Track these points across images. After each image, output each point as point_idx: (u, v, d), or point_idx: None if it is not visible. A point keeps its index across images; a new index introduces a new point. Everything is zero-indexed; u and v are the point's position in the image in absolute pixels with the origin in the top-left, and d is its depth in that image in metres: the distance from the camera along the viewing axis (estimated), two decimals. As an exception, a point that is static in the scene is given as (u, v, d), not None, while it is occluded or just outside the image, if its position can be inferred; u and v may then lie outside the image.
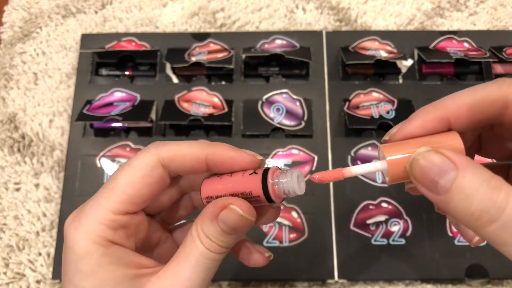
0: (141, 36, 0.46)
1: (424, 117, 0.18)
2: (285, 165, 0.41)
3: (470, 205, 0.14)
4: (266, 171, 0.19)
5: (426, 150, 0.16)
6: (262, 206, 0.20)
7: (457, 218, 0.15)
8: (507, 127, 0.17)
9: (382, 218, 0.40)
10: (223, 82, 0.44)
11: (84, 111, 0.42)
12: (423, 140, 0.18)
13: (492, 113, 0.17)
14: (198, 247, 0.19)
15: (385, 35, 0.46)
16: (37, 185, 0.42)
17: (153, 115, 0.43)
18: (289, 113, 0.43)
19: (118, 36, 0.46)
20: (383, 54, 0.44)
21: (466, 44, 0.46)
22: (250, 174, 0.19)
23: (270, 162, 0.41)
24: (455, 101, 0.18)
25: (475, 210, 0.14)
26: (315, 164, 0.41)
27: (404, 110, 0.42)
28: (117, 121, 0.41)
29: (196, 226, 0.19)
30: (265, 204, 0.20)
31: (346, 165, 0.41)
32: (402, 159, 0.18)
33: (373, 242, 0.39)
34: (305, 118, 0.43)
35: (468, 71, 0.44)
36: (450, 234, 0.39)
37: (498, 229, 0.14)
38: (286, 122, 0.42)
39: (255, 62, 0.45)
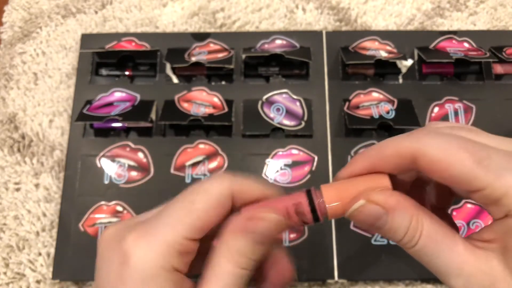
0: (141, 36, 0.46)
1: (356, 165, 0.21)
2: (285, 165, 0.41)
3: (400, 237, 0.19)
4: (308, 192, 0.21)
5: (361, 204, 0.20)
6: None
7: (392, 240, 0.20)
8: (427, 176, 0.20)
9: (382, 218, 0.40)
10: (223, 82, 0.44)
11: (84, 111, 0.42)
12: (357, 180, 0.21)
13: (406, 164, 0.20)
14: (224, 262, 0.18)
15: (385, 35, 0.46)
16: (37, 185, 0.42)
17: (153, 115, 0.43)
18: (289, 113, 0.43)
19: (118, 36, 0.46)
20: (383, 54, 0.44)
21: (466, 44, 0.46)
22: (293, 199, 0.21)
23: (270, 162, 0.41)
24: (377, 153, 0.21)
25: (403, 240, 0.19)
26: (315, 164, 0.41)
27: (404, 110, 0.42)
28: (117, 121, 0.41)
29: (221, 244, 0.19)
30: (306, 223, 0.21)
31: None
32: (338, 206, 0.20)
33: (373, 242, 0.39)
34: (305, 118, 0.43)
35: (468, 71, 0.44)
36: (450, 234, 0.39)
37: (418, 251, 0.19)
38: (286, 122, 0.42)
39: (255, 62, 0.45)
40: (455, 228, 0.20)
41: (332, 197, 0.20)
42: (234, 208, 0.20)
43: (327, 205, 0.20)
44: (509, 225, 0.18)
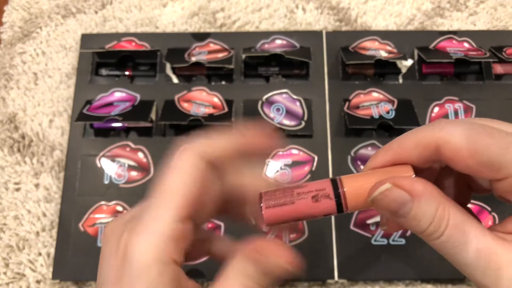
0: (141, 36, 0.46)
1: (377, 159, 0.21)
2: (285, 165, 0.41)
3: (424, 226, 0.18)
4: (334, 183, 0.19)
5: (386, 187, 0.19)
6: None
7: (413, 232, 0.19)
8: (450, 165, 0.19)
9: (382, 218, 0.40)
10: (223, 82, 0.44)
11: (84, 111, 0.42)
12: (379, 171, 0.20)
13: (429, 154, 0.19)
14: (244, 279, 0.18)
15: (385, 35, 0.46)
16: (37, 185, 0.42)
17: (153, 115, 0.43)
18: (289, 113, 0.43)
19: (118, 36, 0.46)
20: (383, 54, 0.44)
21: (466, 44, 0.46)
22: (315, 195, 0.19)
23: (270, 162, 0.41)
24: (399, 144, 0.20)
25: (428, 231, 0.18)
26: (315, 164, 0.41)
27: (404, 110, 0.42)
28: (117, 121, 0.41)
29: (234, 265, 0.19)
30: (330, 214, 0.20)
31: (346, 164, 0.41)
32: (360, 192, 0.19)
33: (373, 242, 0.39)
34: (305, 118, 0.43)
35: (468, 71, 0.44)
36: (450, 234, 0.39)
37: (443, 243, 0.18)
38: (286, 122, 0.42)
39: (255, 62, 0.45)
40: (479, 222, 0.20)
41: (354, 186, 0.19)
42: (218, 165, 0.20)
43: (346, 194, 0.19)
44: None
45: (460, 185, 0.23)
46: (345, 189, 0.19)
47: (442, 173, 0.22)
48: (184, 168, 0.19)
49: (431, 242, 0.19)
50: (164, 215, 0.18)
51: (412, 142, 0.20)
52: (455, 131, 0.18)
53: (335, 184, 0.19)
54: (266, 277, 0.19)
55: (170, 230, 0.17)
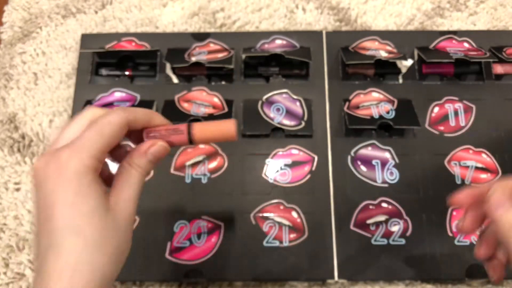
0: (141, 36, 0.46)
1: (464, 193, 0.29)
2: (285, 165, 0.41)
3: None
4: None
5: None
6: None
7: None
8: None
9: (382, 218, 0.40)
10: (223, 82, 0.44)
11: None
12: (213, 123, 0.29)
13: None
14: (133, 173, 0.27)
15: (385, 35, 0.46)
16: (37, 185, 0.42)
17: (153, 115, 0.43)
18: (289, 113, 0.43)
19: (118, 36, 0.46)
20: (383, 54, 0.44)
21: (466, 44, 0.46)
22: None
23: (270, 162, 0.41)
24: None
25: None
26: (315, 164, 0.41)
27: (404, 110, 0.42)
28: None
29: (130, 159, 0.27)
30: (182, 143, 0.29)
31: (346, 165, 0.41)
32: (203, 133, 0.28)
33: (373, 242, 0.39)
34: (305, 118, 0.43)
35: (468, 71, 0.44)
36: (450, 234, 0.39)
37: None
38: (286, 122, 0.42)
39: (255, 62, 0.45)
40: None
41: (199, 128, 0.28)
42: (129, 131, 0.27)
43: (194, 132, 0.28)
44: None
45: None
46: (194, 130, 0.28)
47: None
48: (116, 124, 0.26)
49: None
50: (92, 148, 0.25)
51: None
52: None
53: (189, 126, 0.28)
54: (152, 163, 0.28)
55: (92, 159, 0.25)
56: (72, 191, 0.23)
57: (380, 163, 0.41)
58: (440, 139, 0.42)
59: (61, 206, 0.23)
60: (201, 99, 0.44)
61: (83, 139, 0.25)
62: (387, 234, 0.39)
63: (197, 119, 0.41)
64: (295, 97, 0.44)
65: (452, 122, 0.43)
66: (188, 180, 0.41)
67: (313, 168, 0.41)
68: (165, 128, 0.29)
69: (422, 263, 0.38)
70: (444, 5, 0.49)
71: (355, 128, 0.42)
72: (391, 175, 0.41)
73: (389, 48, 0.45)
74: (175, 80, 0.45)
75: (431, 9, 0.49)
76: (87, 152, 0.24)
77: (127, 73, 0.45)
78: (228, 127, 0.28)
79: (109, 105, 0.43)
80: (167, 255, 0.38)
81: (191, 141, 0.28)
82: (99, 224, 0.24)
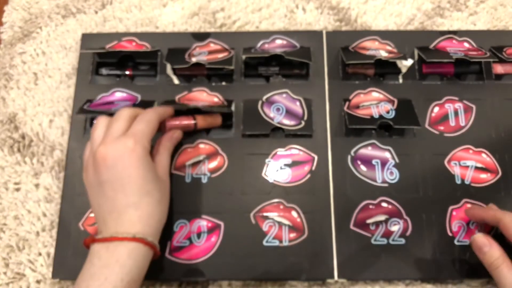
0: (141, 36, 0.46)
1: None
2: (285, 164, 0.41)
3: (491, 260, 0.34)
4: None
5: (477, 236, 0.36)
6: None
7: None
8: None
9: (382, 217, 0.40)
10: (223, 83, 0.44)
11: (85, 107, 0.42)
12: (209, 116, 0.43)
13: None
14: (165, 152, 0.39)
15: (385, 35, 0.46)
16: (37, 185, 0.42)
17: (153, 115, 0.43)
18: (289, 113, 0.43)
19: (118, 36, 0.46)
20: (383, 54, 0.44)
21: (466, 44, 0.46)
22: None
23: (270, 162, 0.41)
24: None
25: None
26: (315, 163, 0.41)
27: (404, 110, 0.42)
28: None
29: (162, 142, 0.39)
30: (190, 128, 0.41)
31: (346, 164, 0.41)
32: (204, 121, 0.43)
33: (373, 242, 0.39)
34: (305, 118, 0.43)
35: (468, 71, 0.44)
36: (450, 234, 0.39)
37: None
38: (286, 122, 0.42)
39: (255, 62, 0.45)
40: None
41: (201, 118, 0.41)
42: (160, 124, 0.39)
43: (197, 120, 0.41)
44: None
45: None
46: (196, 119, 0.41)
47: None
48: (156, 120, 0.38)
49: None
50: (147, 137, 0.36)
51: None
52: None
53: (195, 118, 0.41)
54: (172, 145, 0.40)
55: (148, 143, 0.36)
56: (141, 166, 0.34)
57: (380, 163, 0.41)
58: (440, 139, 0.42)
59: (136, 177, 0.34)
60: (202, 99, 0.44)
61: (138, 131, 0.35)
62: (387, 234, 0.39)
63: (197, 108, 0.41)
64: (295, 97, 0.44)
65: (452, 122, 0.43)
66: (188, 180, 0.41)
67: (313, 168, 0.41)
68: (179, 121, 0.41)
69: (422, 263, 0.38)
70: (444, 5, 0.49)
71: (355, 128, 0.42)
72: (391, 175, 0.41)
73: (389, 48, 0.45)
74: (175, 81, 0.45)
75: (431, 9, 0.49)
76: (145, 140, 0.35)
77: (127, 73, 0.45)
78: (217, 118, 0.42)
79: (109, 103, 0.43)
80: (167, 255, 0.38)
81: (195, 129, 0.41)
82: (159, 188, 0.35)
